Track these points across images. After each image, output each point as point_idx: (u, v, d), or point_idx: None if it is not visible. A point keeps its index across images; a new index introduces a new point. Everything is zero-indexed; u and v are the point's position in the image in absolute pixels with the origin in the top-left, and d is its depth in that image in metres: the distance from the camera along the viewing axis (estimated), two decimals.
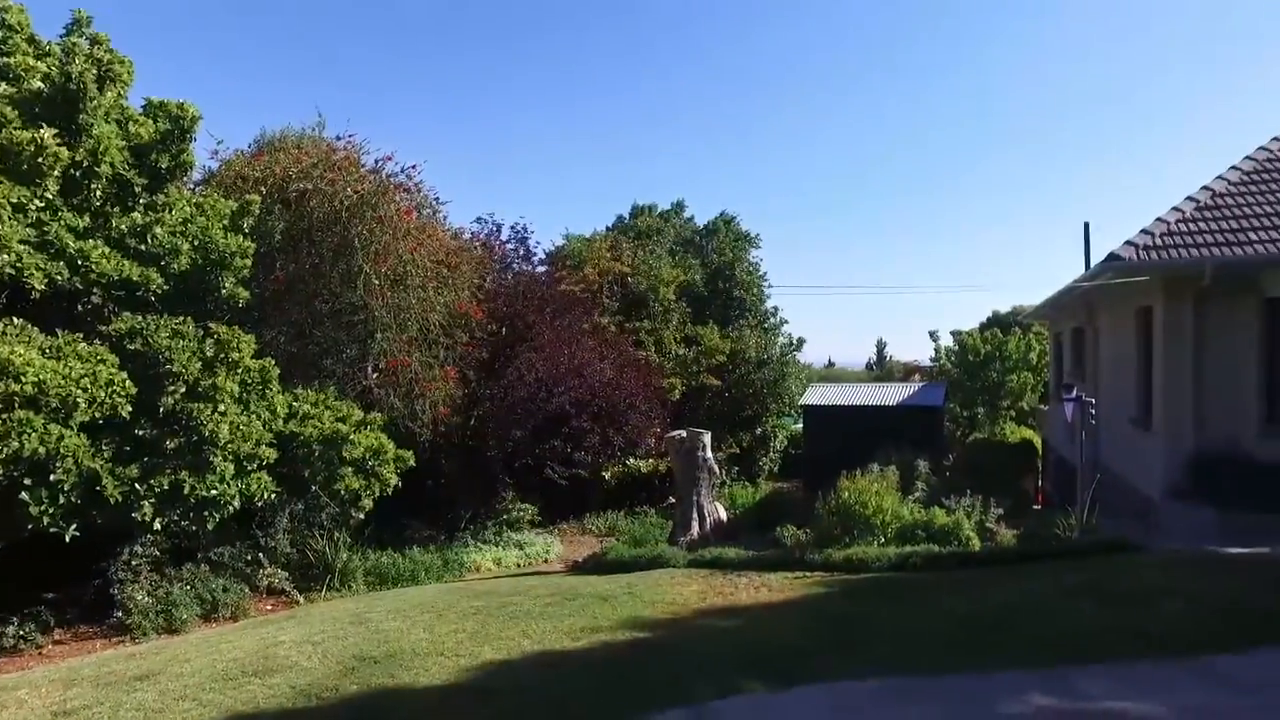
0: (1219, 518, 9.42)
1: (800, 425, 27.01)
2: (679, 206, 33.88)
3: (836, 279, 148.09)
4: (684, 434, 13.58)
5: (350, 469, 9.95)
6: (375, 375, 13.77)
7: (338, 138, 14.60)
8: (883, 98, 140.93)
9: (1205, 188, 12.11)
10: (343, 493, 9.99)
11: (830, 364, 73.98)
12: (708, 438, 13.47)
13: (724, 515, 14.04)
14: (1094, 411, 11.62)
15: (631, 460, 20.50)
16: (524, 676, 5.70)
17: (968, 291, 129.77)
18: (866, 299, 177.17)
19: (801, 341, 30.16)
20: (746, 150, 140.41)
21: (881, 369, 60.00)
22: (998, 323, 35.52)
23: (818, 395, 25.20)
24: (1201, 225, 11.23)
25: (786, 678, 5.12)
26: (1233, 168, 12.41)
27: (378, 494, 10.26)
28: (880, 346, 68.52)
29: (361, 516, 10.83)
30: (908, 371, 47.67)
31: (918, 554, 8.76)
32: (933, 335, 35.77)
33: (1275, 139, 12.94)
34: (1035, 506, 18.98)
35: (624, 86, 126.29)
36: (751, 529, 15.82)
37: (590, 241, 25.95)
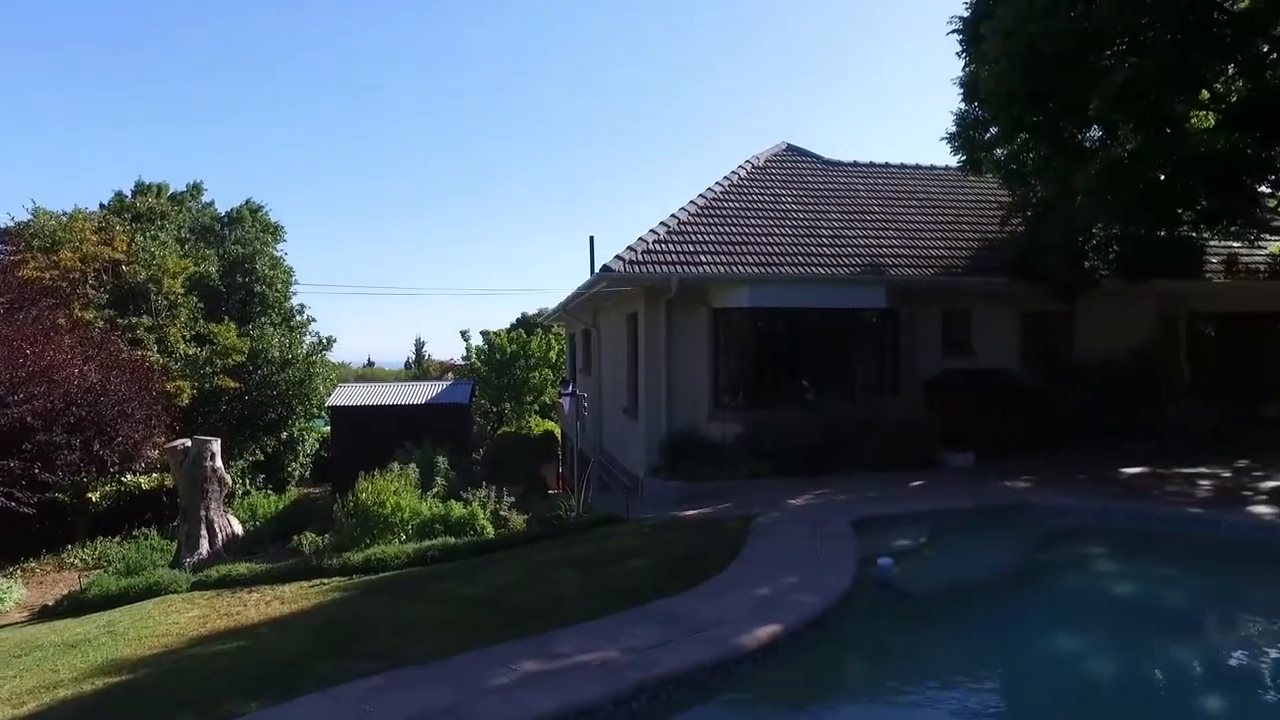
0: (683, 486, 11.39)
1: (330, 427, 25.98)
2: (196, 189, 30.11)
3: (381, 278, 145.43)
4: (188, 443, 12.14)
5: None
6: None
7: None
8: (417, 95, 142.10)
9: (673, 215, 14.55)
10: None
11: (370, 363, 72.38)
12: (216, 445, 12.23)
13: (239, 529, 12.89)
14: (586, 405, 13.20)
15: (130, 477, 17.65)
16: None
17: (500, 295, 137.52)
18: (410, 299, 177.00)
19: (331, 340, 28.98)
20: (281, 136, 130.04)
21: (420, 368, 60.50)
22: (526, 324, 38.31)
23: (345, 396, 24.51)
24: (671, 246, 13.44)
25: (288, 690, 4.91)
26: (691, 201, 15.14)
27: None
28: (419, 345, 68.96)
29: None
30: (443, 370, 48.83)
31: (435, 547, 9.08)
32: (464, 335, 37.24)
33: (718, 182, 16.10)
34: (554, 491, 20.93)
35: (132, 36, 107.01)
36: (274, 540, 14.81)
37: (70, 220, 21.66)
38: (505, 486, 12.33)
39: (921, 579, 7.68)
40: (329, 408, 24.68)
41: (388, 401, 24.18)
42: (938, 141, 13.53)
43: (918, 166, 18.44)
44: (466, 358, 36.38)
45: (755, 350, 13.03)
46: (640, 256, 12.97)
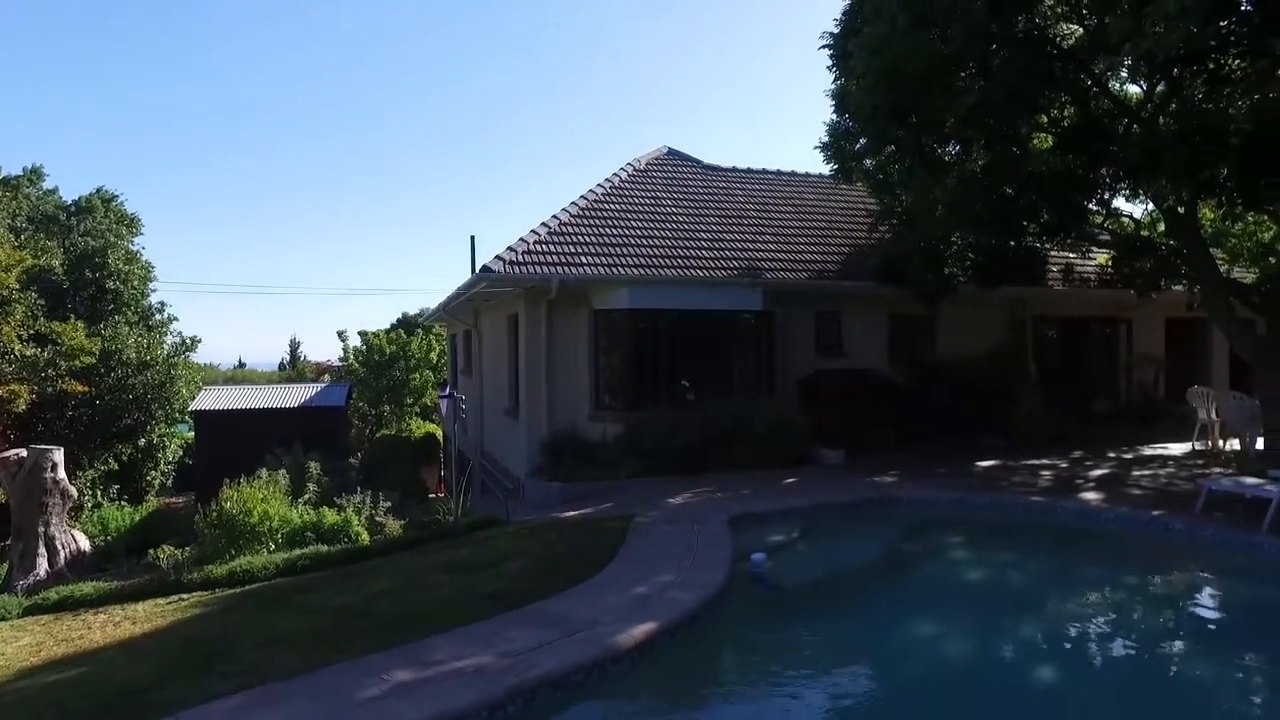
0: (564, 488, 11.40)
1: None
2: (34, 174, 27.68)
3: (253, 276, 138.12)
4: (23, 453, 11.20)
5: None
6: None
7: None
8: (294, 89, 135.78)
9: (555, 216, 14.54)
10: None
11: (241, 365, 68.58)
12: (59, 455, 11.33)
13: (86, 545, 11.98)
14: (465, 407, 13.02)
15: None
16: None
17: (381, 294, 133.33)
18: (285, 298, 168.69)
19: (195, 341, 27.33)
20: (141, 124, 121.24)
21: (295, 369, 57.85)
22: (407, 324, 37.31)
23: (211, 399, 23.20)
24: (552, 247, 13.43)
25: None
26: (573, 202, 15.17)
27: None
28: (294, 346, 65.99)
29: None
30: (319, 371, 46.90)
31: (306, 556, 8.72)
32: (341, 335, 35.91)
33: (600, 184, 16.20)
34: (435, 495, 20.47)
35: None
36: (129, 555, 13.87)
37: None
38: (383, 491, 11.98)
39: (793, 572, 7.99)
40: (192, 412, 23.25)
41: (258, 405, 23.01)
42: (812, 150, 14.06)
43: (794, 174, 19.13)
44: (344, 359, 35.04)
45: (635, 351, 13.19)
46: (521, 257, 12.90)
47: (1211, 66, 9.45)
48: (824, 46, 12.84)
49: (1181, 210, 11.20)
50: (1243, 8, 8.30)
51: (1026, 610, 7.36)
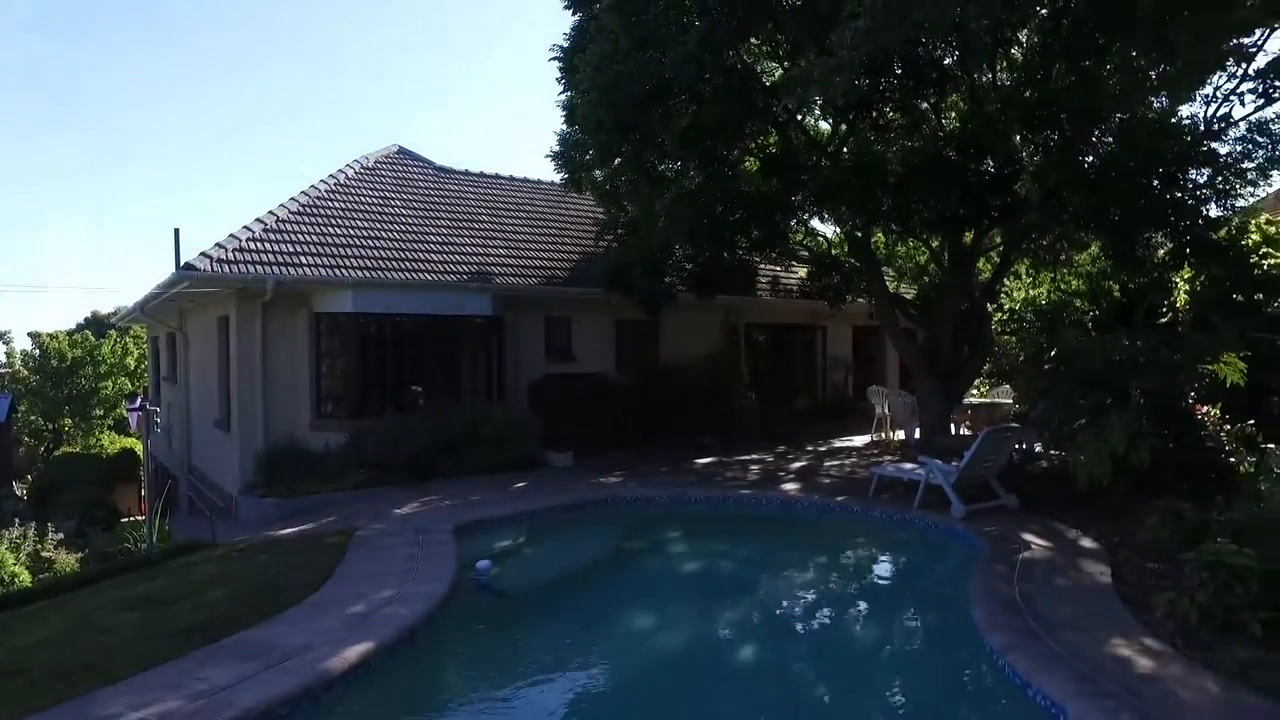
0: (283, 503, 10.66)
1: None
2: None
3: None
4: None
5: None
6: None
7: None
8: None
9: (271, 212, 13.54)
10: None
11: None
12: None
13: None
14: (160, 420, 11.74)
15: None
16: None
17: (65, 291, 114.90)
18: None
19: None
20: None
21: None
22: (98, 324, 32.65)
23: None
24: (268, 245, 12.50)
25: None
26: (292, 198, 14.22)
27: None
28: None
29: None
30: None
31: None
32: (3, 338, 30.56)
33: (324, 180, 15.35)
34: (132, 519, 18.13)
35: None
36: None
37: None
38: (56, 519, 10.40)
39: (519, 577, 8.13)
40: None
41: None
42: (544, 158, 14.31)
43: (526, 179, 19.34)
44: (7, 365, 29.85)
45: (360, 356, 12.65)
46: (231, 254, 11.85)
47: (874, 114, 11.01)
48: (554, 59, 13.14)
49: (859, 234, 12.89)
50: (895, 69, 9.78)
51: (734, 592, 8.16)
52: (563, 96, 13.39)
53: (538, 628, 6.83)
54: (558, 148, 13.78)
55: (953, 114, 12.84)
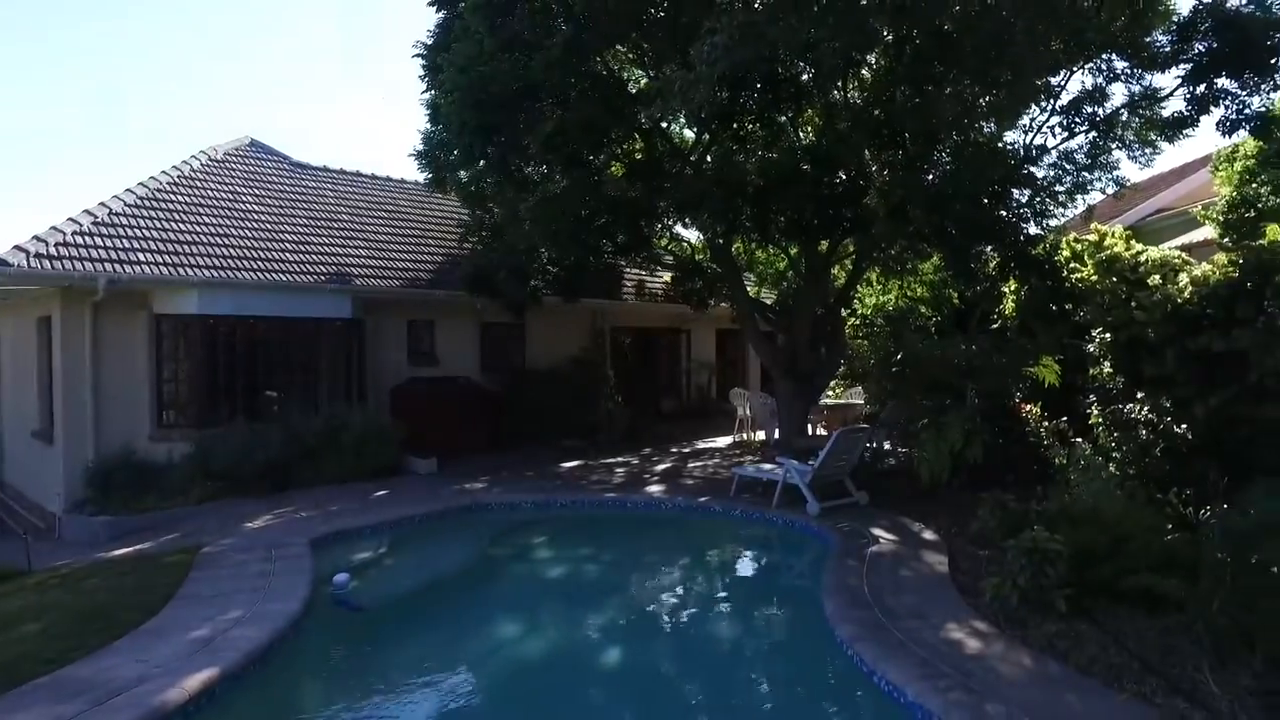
0: (115, 521, 9.91)
1: None
2: None
3: None
4: None
5: None
6: None
7: None
8: None
9: (104, 204, 12.54)
10: None
11: None
12: None
13: None
14: None
15: None
16: None
17: None
18: None
19: None
20: None
21: None
22: None
23: None
24: (100, 239, 11.58)
25: None
26: (129, 190, 13.22)
27: None
28: None
29: None
30: None
31: None
32: None
33: (165, 171, 14.36)
34: None
35: None
36: None
37: None
38: None
39: (380, 590, 7.88)
40: None
41: None
42: (407, 157, 13.91)
43: (388, 179, 18.74)
44: None
45: (208, 361, 11.89)
46: (54, 249, 10.86)
47: (735, 126, 11.41)
48: (417, 55, 12.81)
49: (721, 241, 13.29)
50: (755, 84, 10.18)
51: (600, 595, 8.24)
52: (427, 95, 13.09)
53: (400, 642, 6.66)
54: (421, 147, 13.44)
55: (809, 128, 13.45)
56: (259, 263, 12.69)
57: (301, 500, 10.55)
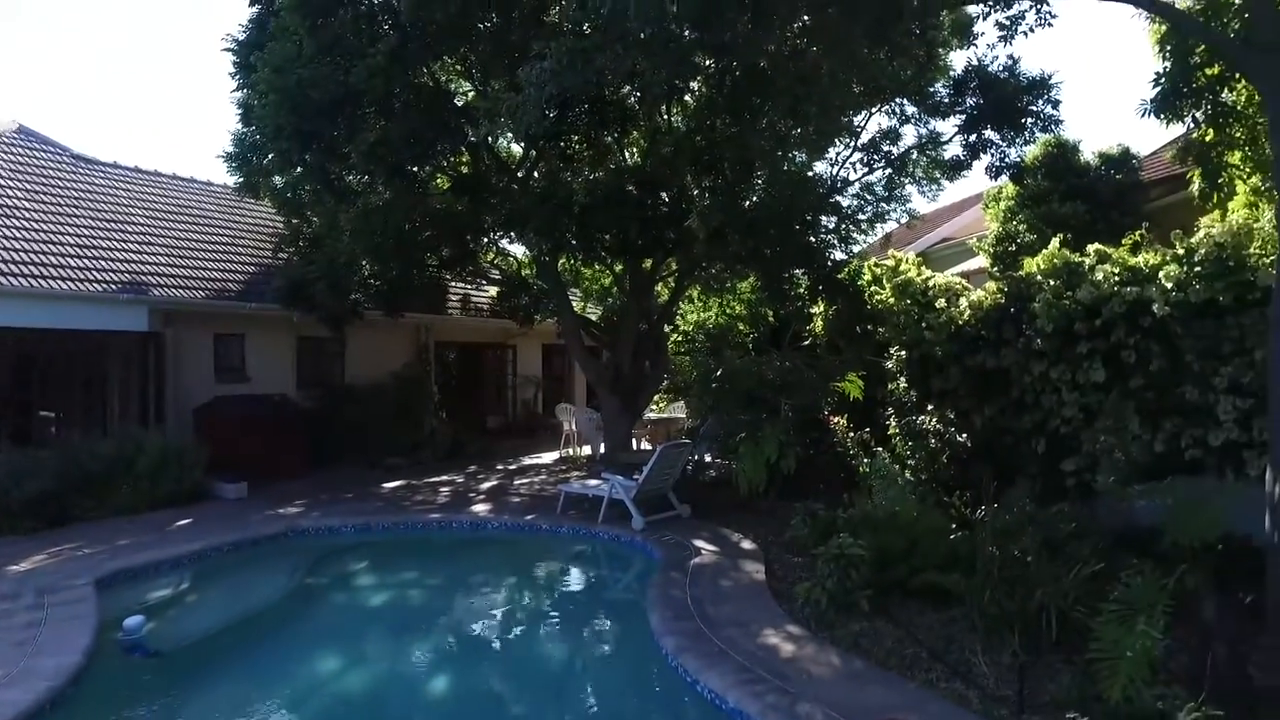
0: None
1: None
2: None
3: None
4: None
5: None
6: None
7: None
8: None
9: None
10: None
11: None
12: None
13: None
14: None
15: None
16: None
17: None
18: None
19: None
20: None
21: None
22: None
23: None
24: None
25: None
26: None
27: None
28: None
29: None
30: None
31: None
32: None
33: None
34: None
35: None
36: None
37: None
38: None
39: (181, 631, 7.30)
40: None
41: None
42: (215, 159, 12.93)
43: (193, 180, 17.32)
44: None
45: None
46: None
47: (563, 145, 11.56)
48: (227, 50, 11.98)
49: (547, 258, 13.34)
50: (583, 104, 10.36)
51: (426, 620, 8.09)
52: (238, 94, 12.26)
53: (207, 687, 6.13)
54: (232, 148, 12.56)
55: (634, 150, 13.83)
56: (33, 267, 11.31)
57: (84, 535, 9.47)
